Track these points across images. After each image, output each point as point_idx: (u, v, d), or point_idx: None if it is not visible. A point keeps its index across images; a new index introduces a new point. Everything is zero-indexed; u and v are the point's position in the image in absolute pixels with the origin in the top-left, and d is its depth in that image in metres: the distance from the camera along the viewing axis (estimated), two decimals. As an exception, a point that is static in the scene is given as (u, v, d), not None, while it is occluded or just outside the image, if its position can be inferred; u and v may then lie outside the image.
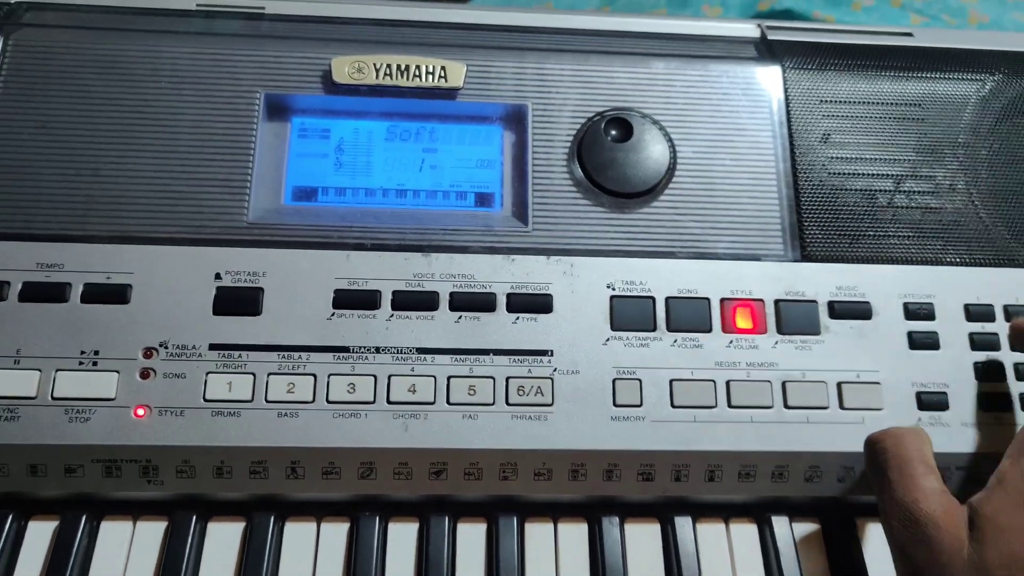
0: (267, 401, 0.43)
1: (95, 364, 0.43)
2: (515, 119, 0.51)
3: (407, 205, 0.49)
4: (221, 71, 0.49)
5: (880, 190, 0.50)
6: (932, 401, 0.46)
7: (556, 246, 0.48)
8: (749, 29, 0.56)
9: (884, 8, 0.96)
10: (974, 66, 0.54)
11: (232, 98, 0.49)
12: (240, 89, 0.49)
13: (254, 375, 0.44)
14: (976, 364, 0.47)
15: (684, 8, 0.95)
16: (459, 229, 0.48)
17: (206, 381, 0.43)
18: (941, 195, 0.51)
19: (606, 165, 0.49)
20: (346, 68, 0.49)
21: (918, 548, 0.39)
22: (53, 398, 0.42)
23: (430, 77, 0.50)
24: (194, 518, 0.44)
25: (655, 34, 0.55)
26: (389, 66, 0.50)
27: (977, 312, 0.48)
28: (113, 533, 0.44)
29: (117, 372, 0.43)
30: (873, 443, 0.43)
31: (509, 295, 0.46)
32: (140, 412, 0.43)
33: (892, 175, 0.51)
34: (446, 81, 0.50)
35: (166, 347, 0.44)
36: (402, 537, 0.45)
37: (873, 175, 0.51)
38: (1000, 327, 0.48)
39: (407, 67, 0.50)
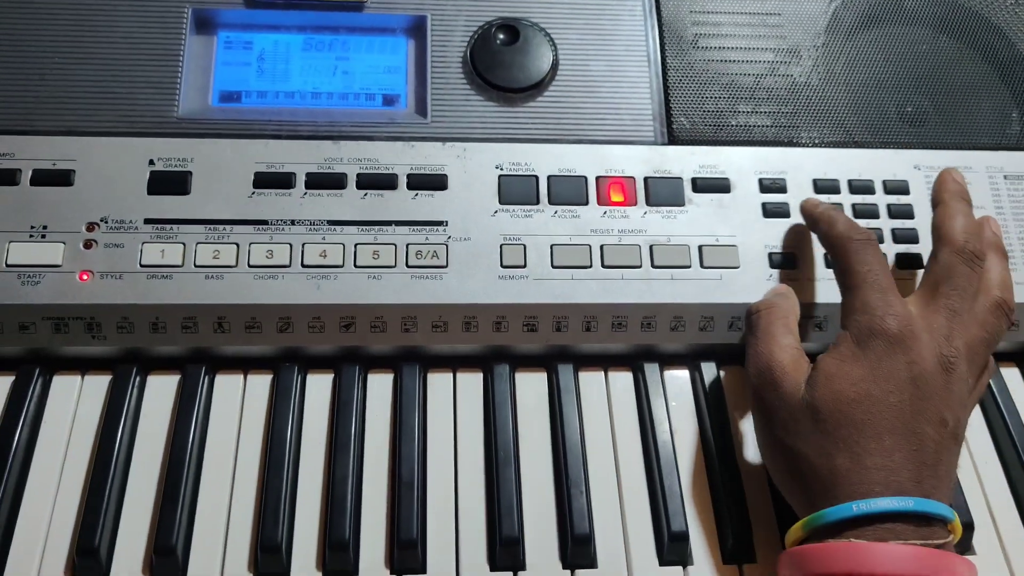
0: (196, 266, 0.50)
1: (43, 237, 0.49)
2: (416, 28, 0.57)
3: (321, 105, 0.56)
4: (153, -11, 0.56)
5: (742, 85, 0.57)
6: (781, 261, 0.53)
7: (452, 135, 0.54)
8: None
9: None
10: (828, -21, 0.61)
11: (163, 12, 0.55)
12: (170, 3, 0.55)
13: (184, 244, 0.50)
14: (821, 229, 0.54)
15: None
16: (366, 123, 0.54)
17: (142, 250, 0.50)
18: (797, 91, 0.57)
19: (496, 65, 0.56)
20: (265, -14, 0.56)
21: (766, 390, 0.46)
22: (7, 265, 0.48)
23: (340, -7, 0.56)
24: (135, 370, 0.50)
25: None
26: (304, -16, 0.56)
27: (824, 186, 0.55)
28: (63, 386, 0.50)
29: (63, 243, 0.49)
30: (751, 311, 0.50)
31: (409, 175, 0.53)
32: (84, 277, 0.49)
33: (753, 73, 0.58)
34: (355, -4, 0.56)
35: (106, 222, 0.50)
36: (319, 386, 0.51)
37: (736, 74, 0.57)
38: (844, 199, 0.55)
39: (320, -16, 0.56)
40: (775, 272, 0.53)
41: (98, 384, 0.50)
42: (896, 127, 0.58)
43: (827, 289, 0.53)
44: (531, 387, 0.52)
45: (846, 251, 0.48)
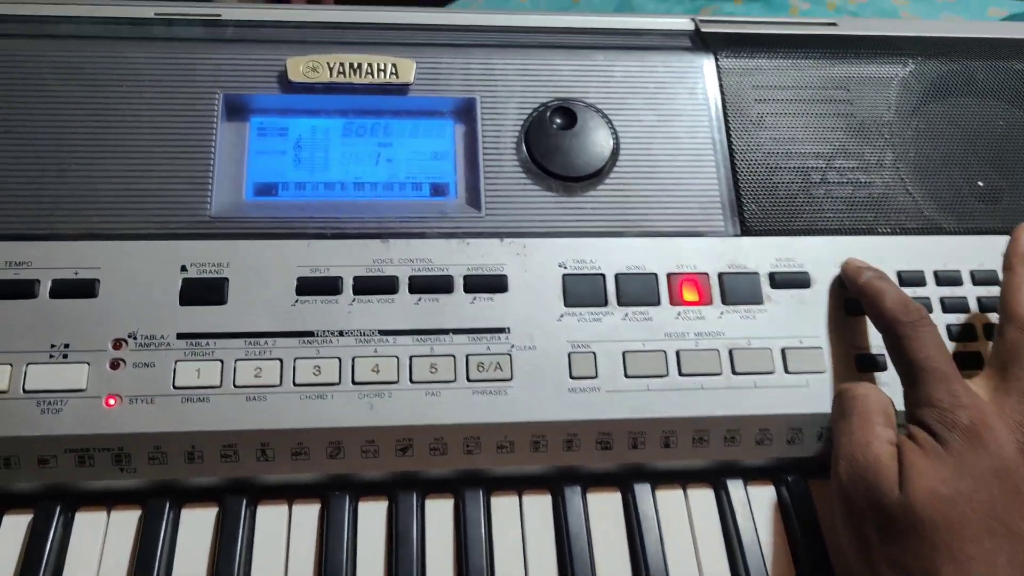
0: (235, 386, 0.45)
1: (65, 357, 0.44)
2: (465, 112, 0.53)
3: (365, 197, 0.51)
4: (180, 74, 0.51)
5: (813, 167, 0.53)
6: (870, 363, 0.49)
7: (509, 229, 0.50)
8: (683, 23, 0.59)
9: (821, 11, 1.00)
10: (895, 50, 0.57)
11: (192, 99, 0.51)
12: (199, 91, 0.51)
13: (222, 361, 0.45)
14: (909, 326, 0.50)
15: (629, 16, 0.99)
16: (415, 217, 0.50)
17: (175, 369, 0.45)
18: (870, 170, 0.54)
19: (552, 151, 0.52)
20: (301, 67, 0.51)
21: (860, 486, 0.41)
22: (25, 391, 0.43)
23: (381, 74, 0.52)
24: (167, 505, 0.45)
25: (594, 29, 0.58)
26: (342, 64, 0.52)
27: (909, 278, 0.51)
28: (88, 523, 0.45)
29: (87, 364, 0.44)
30: (843, 391, 0.46)
31: (465, 277, 0.48)
32: (111, 401, 0.44)
33: (823, 153, 0.54)
34: (397, 77, 0.52)
35: (135, 337, 0.45)
36: (372, 515, 0.46)
37: (806, 153, 0.54)
38: (932, 291, 0.51)
39: (359, 65, 0.52)
40: (863, 376, 0.49)
41: (126, 520, 0.45)
42: (977, 208, 0.54)
43: (921, 393, 0.48)
44: (606, 509, 0.47)
45: (898, 337, 0.45)
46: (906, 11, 1.00)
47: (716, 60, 0.55)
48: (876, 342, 0.49)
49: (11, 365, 0.44)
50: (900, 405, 0.46)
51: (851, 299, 0.50)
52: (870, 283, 0.47)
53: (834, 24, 0.59)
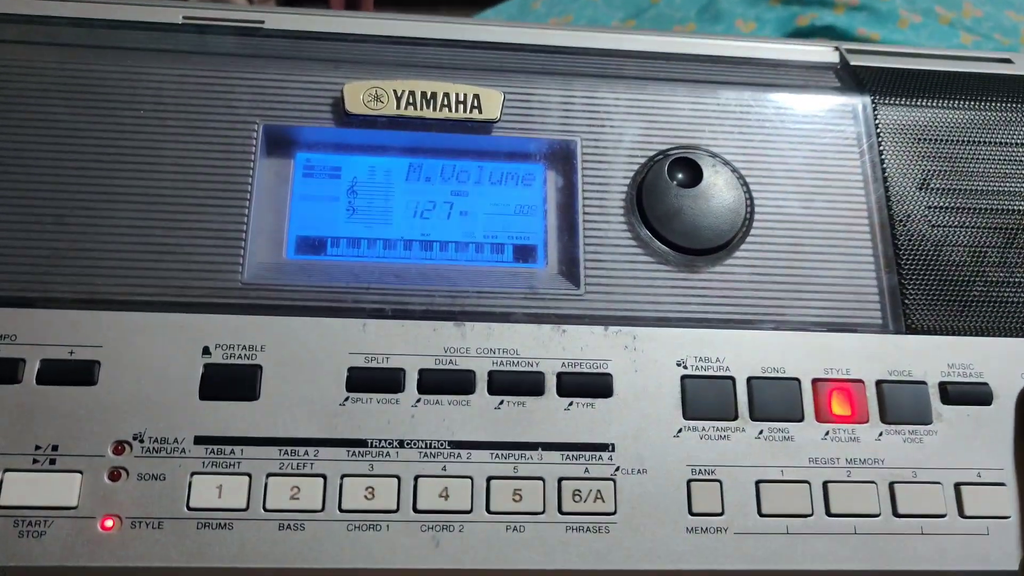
0: (266, 510, 0.35)
1: (53, 463, 0.35)
2: (561, 157, 0.43)
3: (434, 260, 0.41)
4: (212, 97, 0.41)
5: (993, 245, 0.43)
6: (1067, 505, 0.39)
7: (614, 313, 0.40)
8: (826, 53, 0.48)
9: (933, 25, 0.89)
10: (1092, 99, 0.46)
11: (225, 130, 0.41)
12: (235, 119, 0.41)
13: (250, 476, 0.35)
14: (1117, 458, 0.39)
15: (716, 23, 0.89)
16: (497, 291, 0.40)
17: (190, 484, 0.35)
18: (1062, 252, 0.43)
19: (671, 215, 0.41)
20: (361, 95, 0.41)
21: None
22: (0, 507, 0.34)
23: (461, 107, 0.42)
24: (174, 653, 0.36)
25: (721, 57, 0.47)
26: (412, 93, 0.42)
27: (1113, 394, 0.40)
28: (72, 672, 0.35)
29: (80, 472, 0.35)
30: None
31: (560, 375, 0.38)
32: (109, 524, 0.34)
33: (1007, 226, 0.43)
34: (480, 112, 0.42)
35: (141, 440, 0.35)
36: (430, 673, 0.37)
37: (984, 227, 0.43)
38: None
39: (434, 95, 0.42)
40: (1058, 522, 0.38)
41: (123, 670, 0.36)
42: None
43: None
44: (722, 678, 0.38)
45: None
46: (1026, 27, 0.89)
47: (873, 104, 0.44)
48: (1076, 481, 0.39)
49: (-16, 472, 0.34)
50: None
51: (1043, 421, 0.40)
52: None
53: (1009, 61, 0.48)
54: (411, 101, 0.42)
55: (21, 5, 0.43)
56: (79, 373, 0.36)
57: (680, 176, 0.42)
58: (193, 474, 0.35)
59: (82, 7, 0.44)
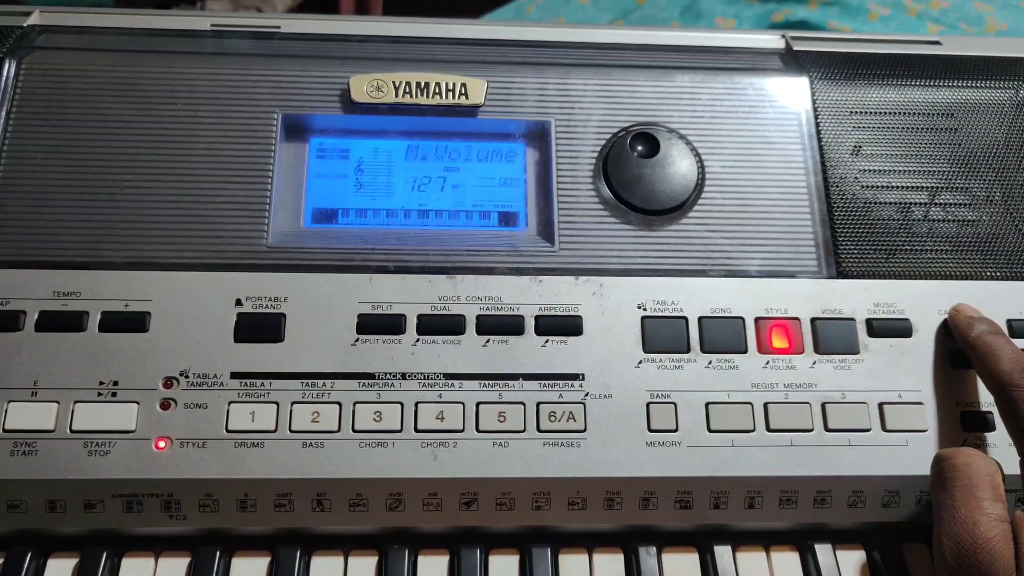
0: (291, 431, 0.42)
1: (114, 395, 0.42)
2: (538, 136, 0.50)
3: (430, 226, 0.48)
4: (237, 92, 0.48)
5: (915, 202, 0.49)
6: (978, 421, 0.45)
7: (584, 266, 0.46)
8: (773, 40, 0.55)
9: (901, 17, 0.95)
10: (1006, 74, 0.52)
11: (249, 119, 0.48)
12: (257, 110, 0.48)
13: (277, 404, 0.42)
14: (1021, 382, 0.45)
15: (697, 21, 0.94)
16: (484, 250, 0.47)
17: (228, 411, 0.42)
18: (978, 207, 0.49)
19: (633, 181, 0.48)
20: (364, 86, 0.48)
21: (969, 573, 0.37)
22: (72, 431, 0.41)
23: (450, 94, 0.49)
24: (218, 553, 0.42)
25: (678, 47, 0.53)
26: (408, 84, 0.49)
27: (1020, 328, 0.46)
28: (134, 570, 0.42)
29: (137, 403, 0.42)
30: (943, 459, 0.41)
31: (537, 317, 0.45)
32: (161, 444, 0.41)
33: (926, 187, 0.49)
34: (467, 98, 0.49)
35: (186, 376, 0.42)
36: (432, 570, 0.43)
37: (907, 187, 0.49)
38: (1044, 342, 0.46)
39: (427, 84, 0.49)
40: (969, 436, 0.44)
41: (175, 568, 0.42)
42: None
43: (1034, 457, 0.44)
44: (682, 570, 0.44)
45: (1013, 401, 0.41)
46: (992, 17, 0.94)
47: (810, 82, 0.51)
48: (985, 399, 0.45)
49: (58, 403, 0.41)
50: (1008, 469, 0.42)
51: (957, 350, 0.46)
52: (982, 338, 0.43)
53: (938, 43, 0.55)
54: (408, 90, 0.49)
55: (74, 19, 0.51)
56: (133, 322, 0.43)
57: (640, 148, 0.49)
58: (230, 403, 0.42)
59: (125, 19, 0.51)
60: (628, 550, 0.44)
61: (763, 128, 0.50)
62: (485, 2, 0.97)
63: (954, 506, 0.39)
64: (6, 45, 0.48)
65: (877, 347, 0.46)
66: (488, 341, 0.44)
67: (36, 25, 0.50)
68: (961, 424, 0.45)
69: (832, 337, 0.46)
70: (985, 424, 0.44)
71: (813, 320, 0.46)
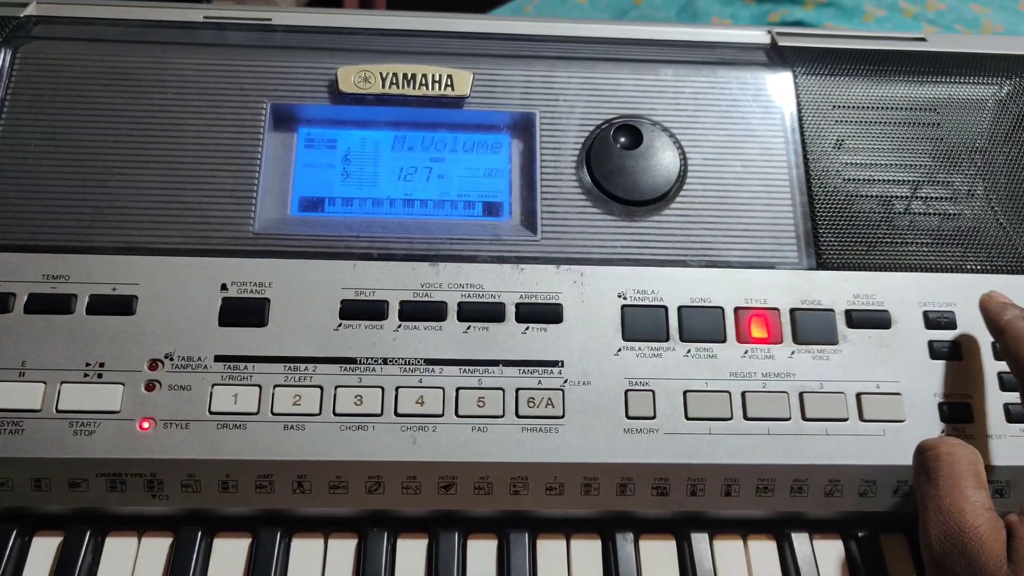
0: (273, 413, 0.43)
1: (100, 376, 0.43)
2: (523, 127, 0.50)
3: (414, 215, 0.49)
4: (227, 82, 0.49)
5: (896, 196, 0.49)
6: (955, 413, 0.45)
7: (565, 255, 0.47)
8: (759, 36, 0.55)
9: (897, 19, 0.95)
10: (989, 70, 0.53)
11: (238, 109, 0.48)
12: (246, 100, 0.49)
13: (260, 387, 0.43)
14: (1000, 374, 0.46)
15: (694, 21, 0.95)
16: (467, 239, 0.47)
17: (211, 393, 0.43)
18: (959, 201, 0.49)
19: (615, 172, 0.48)
20: (352, 77, 0.49)
21: (957, 561, 0.37)
22: (58, 411, 0.42)
23: (436, 86, 0.49)
24: (199, 534, 0.43)
25: (663, 41, 0.54)
26: (395, 75, 0.49)
27: (999, 321, 0.47)
28: (118, 549, 0.43)
29: (122, 384, 0.43)
30: (925, 449, 0.41)
31: (518, 305, 0.45)
32: (145, 425, 0.42)
33: (908, 180, 0.50)
34: (453, 90, 0.49)
35: (171, 359, 0.43)
36: (411, 553, 0.44)
37: (889, 181, 0.50)
38: None
39: (413, 76, 0.49)
40: (947, 427, 0.45)
41: (157, 547, 0.43)
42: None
43: (1010, 448, 0.44)
44: (659, 557, 0.44)
45: None
46: (988, 19, 0.94)
47: (794, 77, 0.51)
48: (962, 390, 0.45)
49: (45, 383, 0.42)
50: (986, 460, 0.43)
51: (936, 342, 0.46)
52: (1013, 323, 0.43)
53: (923, 39, 0.55)
54: (394, 81, 0.49)
55: (68, 9, 0.52)
56: (120, 305, 0.44)
57: (623, 140, 0.49)
58: (214, 385, 0.43)
59: (118, 10, 0.52)
60: (606, 536, 0.45)
61: (746, 121, 0.50)
62: (485, 2, 0.98)
63: (939, 495, 0.39)
64: (3, 35, 0.49)
65: (856, 338, 0.46)
66: (469, 328, 0.45)
67: (33, 15, 0.51)
68: (939, 415, 0.45)
69: (811, 327, 0.46)
70: (963, 415, 0.45)
71: (792, 311, 0.46)
